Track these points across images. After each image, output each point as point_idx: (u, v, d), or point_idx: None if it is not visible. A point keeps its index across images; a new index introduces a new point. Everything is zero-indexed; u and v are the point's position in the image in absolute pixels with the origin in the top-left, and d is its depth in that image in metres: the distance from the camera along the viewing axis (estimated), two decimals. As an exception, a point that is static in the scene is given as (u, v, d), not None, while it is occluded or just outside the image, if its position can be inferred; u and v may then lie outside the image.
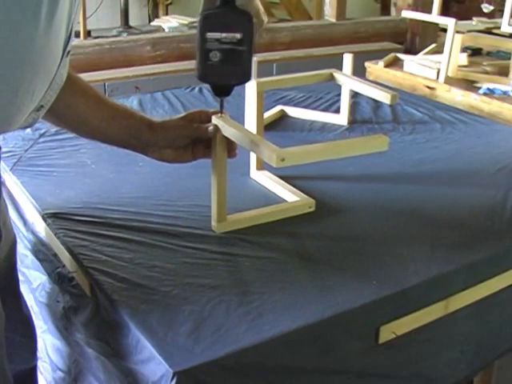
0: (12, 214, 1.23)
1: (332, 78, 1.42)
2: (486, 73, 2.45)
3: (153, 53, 2.97)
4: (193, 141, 1.10)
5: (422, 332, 1.01)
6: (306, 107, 1.77)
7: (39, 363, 1.25)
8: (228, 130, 1.04)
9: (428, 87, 2.43)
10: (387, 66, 2.63)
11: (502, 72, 2.40)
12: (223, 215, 1.09)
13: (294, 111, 1.72)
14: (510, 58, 2.38)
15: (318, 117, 1.69)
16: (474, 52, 2.67)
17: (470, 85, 2.35)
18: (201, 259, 1.01)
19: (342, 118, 1.65)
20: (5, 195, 1.10)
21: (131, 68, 2.86)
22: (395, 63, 2.67)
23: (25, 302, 1.18)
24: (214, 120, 1.06)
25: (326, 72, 1.43)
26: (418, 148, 1.52)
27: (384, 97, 1.35)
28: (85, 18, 3.09)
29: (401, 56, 2.74)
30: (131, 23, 3.95)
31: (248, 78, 0.99)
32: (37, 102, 0.87)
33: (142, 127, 1.09)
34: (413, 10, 3.30)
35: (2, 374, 1.01)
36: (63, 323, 1.11)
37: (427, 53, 2.74)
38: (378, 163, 1.38)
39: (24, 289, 1.20)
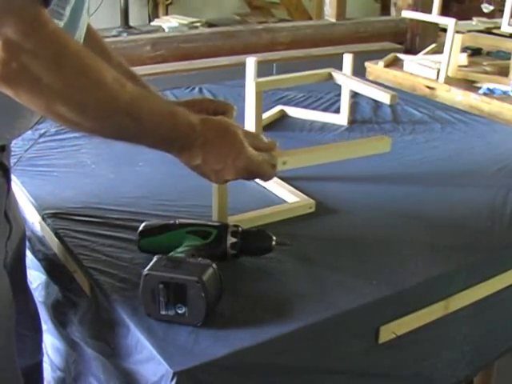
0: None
1: (330, 77, 1.42)
2: (486, 73, 2.45)
3: (153, 53, 2.97)
4: None
5: (422, 332, 1.01)
6: (305, 107, 1.77)
7: (39, 363, 1.25)
8: None
9: (428, 87, 2.43)
10: (387, 65, 2.63)
11: (502, 72, 2.40)
12: (224, 216, 1.09)
13: (294, 111, 1.72)
14: (509, 58, 2.38)
15: (318, 117, 1.69)
16: (474, 52, 2.67)
17: (470, 85, 2.35)
18: (201, 259, 1.01)
19: (342, 118, 1.65)
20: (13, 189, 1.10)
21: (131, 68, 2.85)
22: (395, 63, 2.67)
23: (31, 294, 1.18)
24: None
25: (324, 71, 1.43)
26: (418, 148, 1.52)
27: (383, 97, 1.35)
28: (85, 18, 3.09)
29: (401, 56, 2.74)
30: (131, 23, 3.95)
31: None
32: None
33: None
34: (413, 9, 3.30)
35: (11, 367, 1.01)
36: (63, 323, 1.11)
37: (427, 53, 2.74)
38: (377, 163, 1.38)
39: (24, 289, 1.20)
